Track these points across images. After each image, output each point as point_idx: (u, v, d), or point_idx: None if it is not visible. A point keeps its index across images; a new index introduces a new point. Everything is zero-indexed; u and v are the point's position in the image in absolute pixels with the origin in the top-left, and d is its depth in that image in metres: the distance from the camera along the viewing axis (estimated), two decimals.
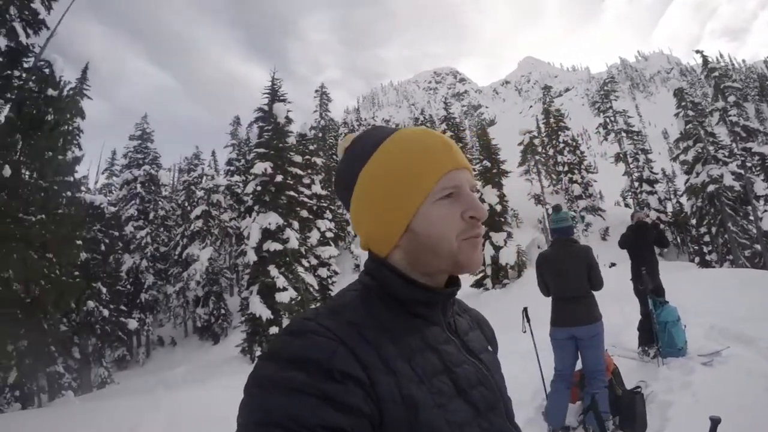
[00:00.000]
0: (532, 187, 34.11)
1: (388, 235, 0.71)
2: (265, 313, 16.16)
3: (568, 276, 3.93)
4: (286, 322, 15.98)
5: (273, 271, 16.62)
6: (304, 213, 19.21)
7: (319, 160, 29.77)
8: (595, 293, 3.91)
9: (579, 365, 4.02)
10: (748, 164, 25.41)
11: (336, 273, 26.35)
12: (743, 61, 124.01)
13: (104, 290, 19.73)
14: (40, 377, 15.33)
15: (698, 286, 10.09)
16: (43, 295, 8.85)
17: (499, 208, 18.98)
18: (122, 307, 22.37)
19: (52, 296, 9.10)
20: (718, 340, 6.01)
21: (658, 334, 5.46)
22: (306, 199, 19.65)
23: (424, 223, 0.68)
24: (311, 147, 24.67)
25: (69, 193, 10.77)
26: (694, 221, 25.63)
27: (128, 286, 25.88)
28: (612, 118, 35.09)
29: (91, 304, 18.40)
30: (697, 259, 25.76)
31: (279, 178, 17.98)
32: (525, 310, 4.48)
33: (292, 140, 20.00)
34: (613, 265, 18.12)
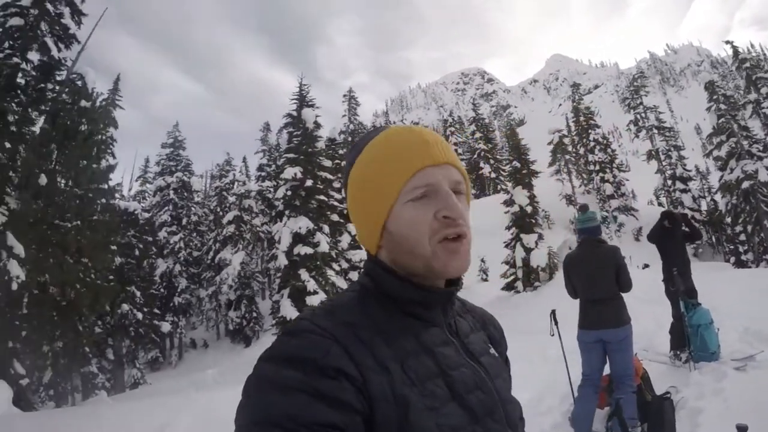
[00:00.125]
0: (563, 187, 33.62)
1: (369, 234, 0.72)
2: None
3: (595, 277, 3.83)
4: None
5: (304, 274, 16.70)
6: (335, 217, 19.28)
7: None
8: (625, 295, 3.80)
9: (608, 369, 3.92)
10: None
11: None
12: None
13: (138, 294, 20.29)
14: (74, 377, 15.88)
15: (733, 287, 9.72)
16: (78, 299, 9.16)
17: (529, 209, 18.67)
18: (156, 310, 22.96)
19: (87, 299, 9.42)
20: (752, 344, 5.79)
21: (690, 338, 5.27)
22: (336, 203, 19.69)
23: (396, 224, 0.68)
24: (341, 151, 24.84)
25: (103, 200, 11.15)
26: (729, 219, 24.85)
27: (162, 290, 26.56)
28: (643, 115, 34.32)
29: (125, 307, 18.94)
30: (732, 259, 24.99)
31: (309, 182, 18.09)
32: (553, 312, 4.40)
33: (321, 145, 20.10)
34: (646, 266, 17.69)
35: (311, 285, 16.58)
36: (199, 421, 5.27)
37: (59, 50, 9.82)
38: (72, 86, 10.04)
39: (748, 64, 25.98)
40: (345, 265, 23.84)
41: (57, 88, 9.71)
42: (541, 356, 7.07)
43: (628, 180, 34.35)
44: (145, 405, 6.90)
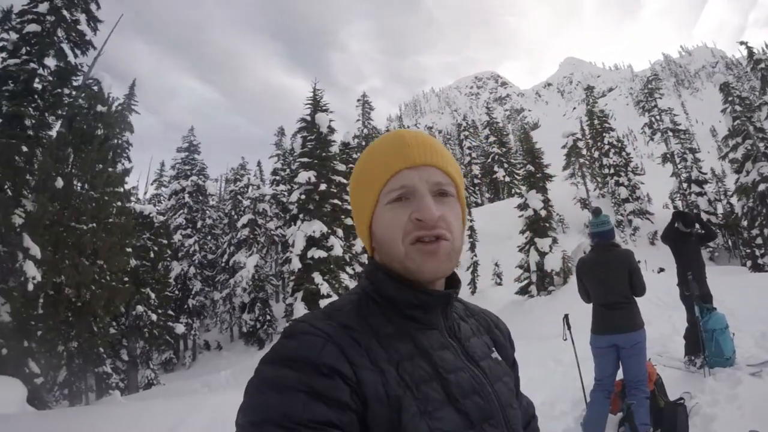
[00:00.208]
0: (578, 191, 33.37)
1: (362, 237, 0.77)
2: None
3: (608, 282, 3.78)
4: None
5: (317, 278, 16.77)
6: (349, 221, 19.31)
7: None
8: (640, 299, 3.75)
9: (621, 374, 3.87)
10: None
11: None
12: None
13: (153, 296, 20.46)
14: (88, 377, 16.10)
15: (749, 291, 9.61)
16: (93, 300, 9.30)
17: (543, 213, 18.61)
18: (170, 312, 23.17)
19: (102, 301, 9.55)
20: None
21: (704, 343, 5.17)
22: (350, 207, 19.82)
23: (377, 226, 0.71)
24: (354, 155, 24.89)
25: (119, 203, 11.29)
26: (745, 223, 24.38)
27: (176, 292, 26.80)
28: (657, 117, 33.99)
29: (140, 308, 19.12)
30: (748, 263, 24.62)
31: (323, 186, 18.17)
32: (566, 317, 4.37)
33: (335, 149, 20.19)
34: (661, 270, 17.47)
35: (324, 288, 16.64)
36: (211, 422, 5.29)
37: (76, 56, 10.04)
38: (88, 91, 10.24)
39: (763, 65, 25.46)
40: (359, 268, 23.88)
41: (73, 93, 9.91)
42: (555, 360, 7.02)
43: (643, 183, 33.98)
44: (158, 405, 6.96)
